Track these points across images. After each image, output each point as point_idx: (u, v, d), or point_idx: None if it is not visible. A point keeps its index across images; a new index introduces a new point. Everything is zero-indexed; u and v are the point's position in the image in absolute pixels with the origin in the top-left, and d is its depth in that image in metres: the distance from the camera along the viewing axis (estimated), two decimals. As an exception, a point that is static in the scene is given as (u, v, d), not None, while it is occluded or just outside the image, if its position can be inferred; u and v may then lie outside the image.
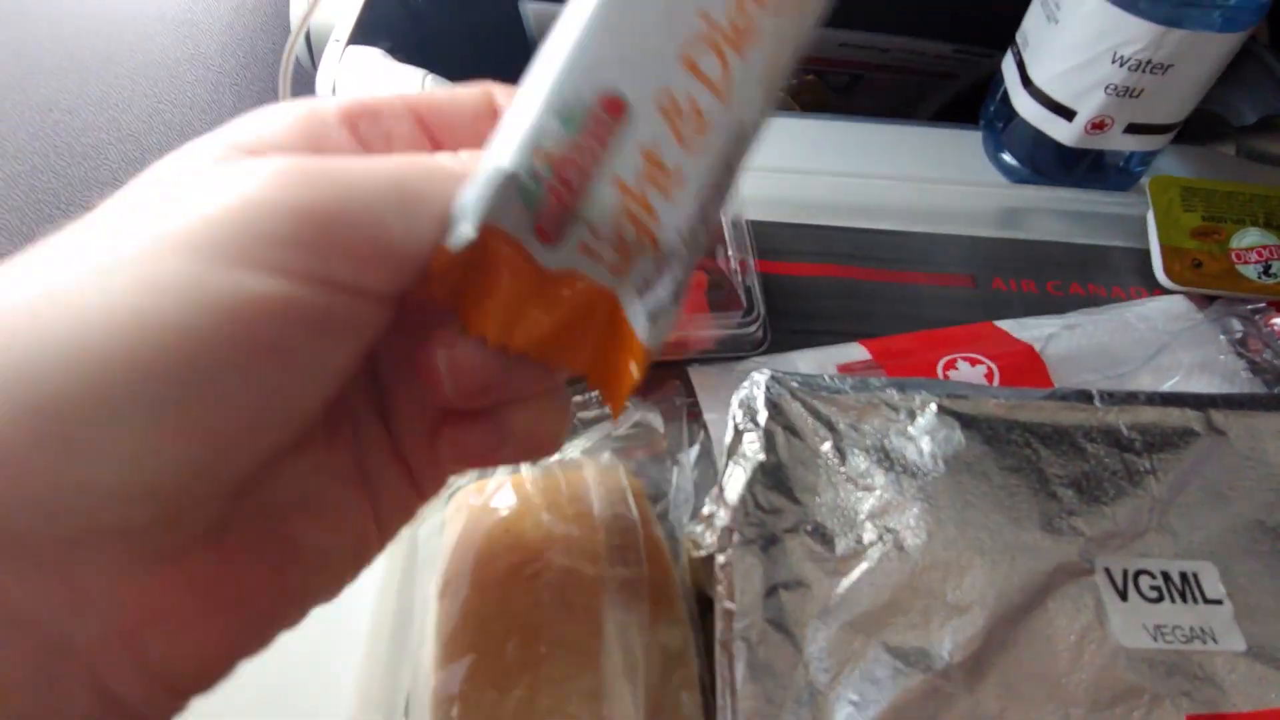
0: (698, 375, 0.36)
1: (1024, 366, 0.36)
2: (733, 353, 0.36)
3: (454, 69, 0.61)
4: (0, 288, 0.14)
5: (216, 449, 0.14)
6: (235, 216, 0.14)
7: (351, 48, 0.50)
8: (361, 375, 0.19)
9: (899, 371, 0.36)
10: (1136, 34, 0.37)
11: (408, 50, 0.59)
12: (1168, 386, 0.35)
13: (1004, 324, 0.38)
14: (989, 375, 0.35)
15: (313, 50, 0.54)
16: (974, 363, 0.36)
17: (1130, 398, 0.30)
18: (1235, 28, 0.37)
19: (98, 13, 0.51)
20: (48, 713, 0.14)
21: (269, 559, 0.17)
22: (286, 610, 0.18)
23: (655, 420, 0.35)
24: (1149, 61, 0.38)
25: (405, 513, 0.20)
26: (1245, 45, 0.59)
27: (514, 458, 0.20)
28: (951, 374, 0.35)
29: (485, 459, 0.20)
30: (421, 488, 0.20)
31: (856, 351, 0.37)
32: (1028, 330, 0.38)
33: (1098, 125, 0.41)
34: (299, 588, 0.18)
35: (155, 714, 0.16)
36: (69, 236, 0.15)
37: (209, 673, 0.16)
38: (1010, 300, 0.41)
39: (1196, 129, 0.61)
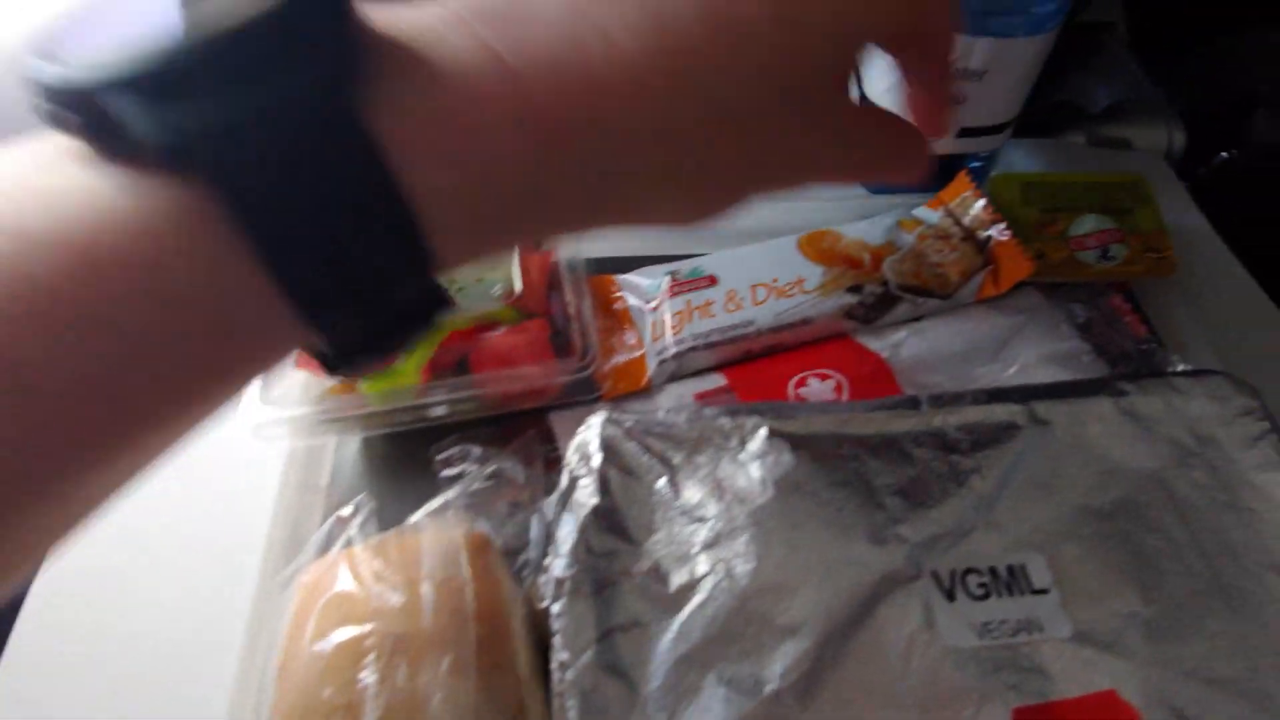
0: (558, 421, 0.36)
1: (873, 377, 0.36)
2: (589, 395, 0.37)
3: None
4: None
5: None
6: None
7: None
8: None
9: (752, 394, 0.36)
10: (946, 45, 0.38)
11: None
12: (1006, 378, 0.36)
13: (860, 336, 0.39)
14: (839, 389, 0.36)
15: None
16: (824, 378, 0.36)
17: (956, 398, 0.31)
18: (1040, 31, 0.39)
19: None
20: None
21: None
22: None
23: (516, 470, 0.36)
24: (965, 69, 0.39)
25: None
26: (1098, 37, 0.62)
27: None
28: (802, 391, 0.36)
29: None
30: None
31: (714, 380, 0.37)
32: (880, 339, 0.39)
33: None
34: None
35: None
36: None
37: None
38: (868, 309, 0.42)
39: (1054, 118, 0.63)
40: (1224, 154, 0.71)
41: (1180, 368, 0.37)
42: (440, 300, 0.17)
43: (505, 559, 0.32)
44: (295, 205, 0.14)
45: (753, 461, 0.29)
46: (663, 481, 0.29)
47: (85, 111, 0.14)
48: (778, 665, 0.26)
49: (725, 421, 0.30)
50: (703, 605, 0.27)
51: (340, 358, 0.17)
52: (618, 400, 0.37)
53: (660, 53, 0.17)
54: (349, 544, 0.29)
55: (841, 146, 0.21)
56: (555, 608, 0.27)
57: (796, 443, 0.30)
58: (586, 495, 0.29)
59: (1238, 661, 0.26)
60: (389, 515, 0.33)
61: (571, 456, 0.30)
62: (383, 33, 0.16)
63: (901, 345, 0.38)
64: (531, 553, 0.33)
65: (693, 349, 0.37)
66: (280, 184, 0.14)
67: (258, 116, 0.14)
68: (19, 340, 0.13)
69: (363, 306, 0.16)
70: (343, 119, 0.14)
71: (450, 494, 0.34)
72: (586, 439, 0.30)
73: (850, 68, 0.20)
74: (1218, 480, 0.30)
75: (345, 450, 0.37)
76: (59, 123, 0.14)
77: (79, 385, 0.14)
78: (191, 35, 0.14)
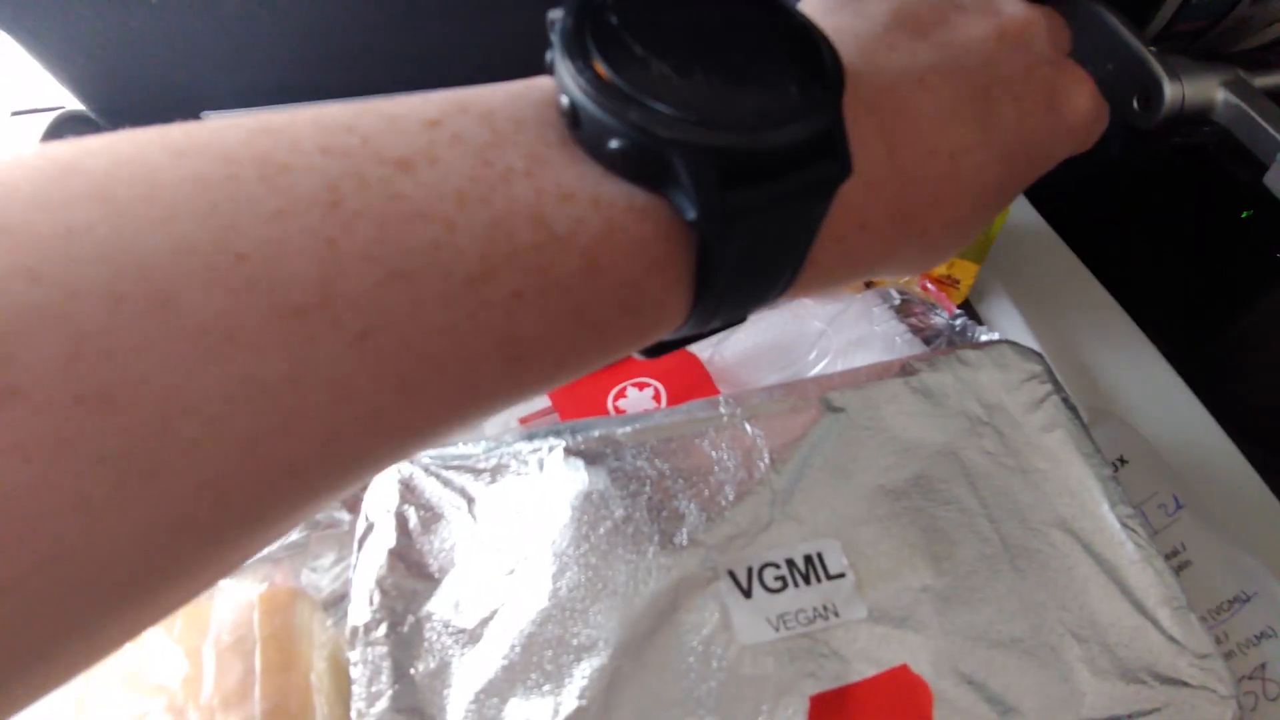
0: (381, 461, 0.36)
1: (690, 379, 0.37)
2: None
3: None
4: None
5: None
6: None
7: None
8: None
9: (574, 411, 0.36)
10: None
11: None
12: (818, 370, 0.37)
13: (685, 339, 0.40)
14: (656, 396, 0.36)
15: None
16: (642, 387, 0.37)
17: (754, 395, 0.32)
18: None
19: None
20: None
21: None
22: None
23: (341, 515, 0.35)
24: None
25: None
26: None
27: None
28: (621, 402, 0.36)
29: None
30: None
31: (539, 402, 0.37)
32: (703, 339, 0.39)
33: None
34: None
35: None
36: None
37: None
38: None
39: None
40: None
41: (983, 339, 0.38)
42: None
43: (326, 610, 0.32)
44: (745, 264, 0.17)
45: (549, 484, 0.29)
46: (462, 514, 0.29)
47: (663, 164, 0.15)
48: (575, 686, 0.25)
49: (523, 446, 0.30)
50: (500, 637, 0.26)
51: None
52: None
53: (976, 185, 0.20)
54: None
55: None
56: (352, 655, 0.26)
57: (592, 459, 0.30)
58: (384, 537, 0.28)
59: (1023, 619, 0.27)
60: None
61: (368, 500, 0.29)
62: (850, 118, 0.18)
63: (723, 344, 0.39)
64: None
65: (514, 373, 0.37)
66: (746, 247, 0.16)
67: (774, 203, 0.16)
68: (519, 318, 0.14)
69: (726, 324, 0.20)
70: (819, 212, 0.17)
71: (270, 546, 0.33)
72: (382, 481, 0.30)
73: None
74: (1006, 446, 0.31)
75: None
76: (635, 162, 0.15)
77: (552, 360, 0.16)
78: (766, 128, 0.15)
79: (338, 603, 0.33)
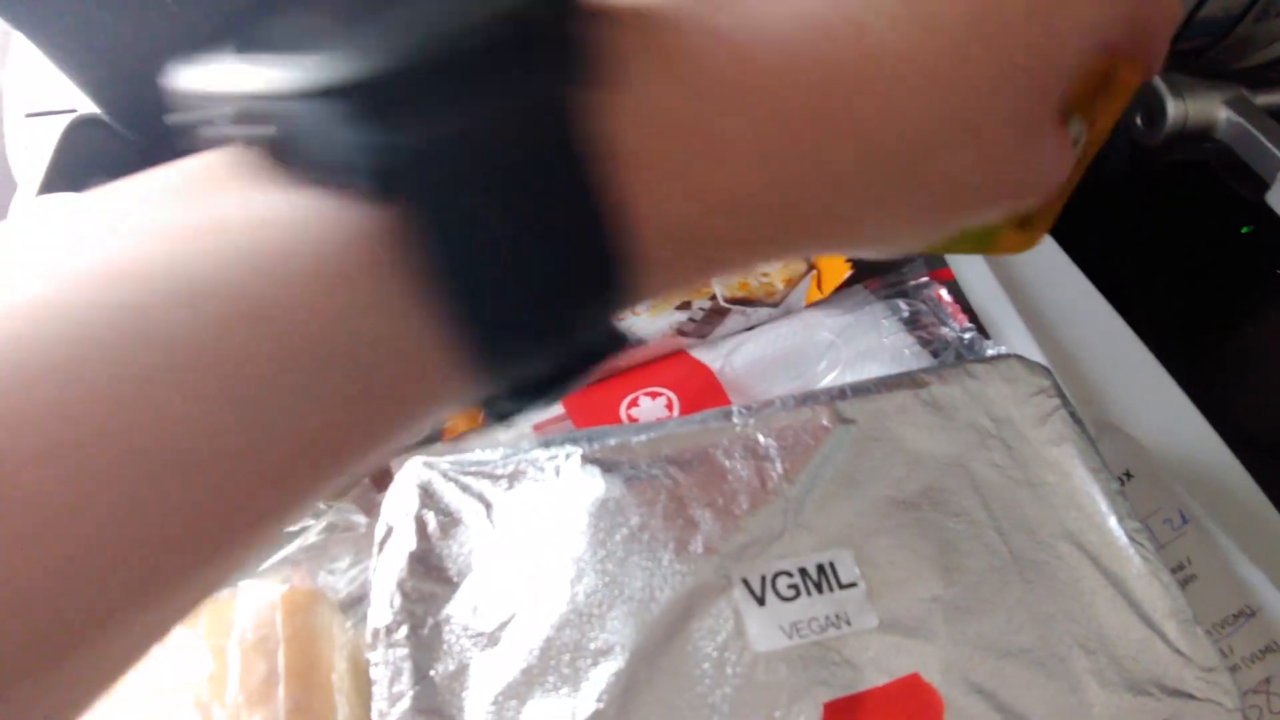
0: (397, 466, 0.36)
1: (702, 389, 0.37)
2: (427, 438, 0.37)
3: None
4: None
5: None
6: None
7: (43, 198, 0.49)
8: None
9: (588, 419, 0.37)
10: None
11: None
12: (827, 381, 0.38)
13: (695, 350, 0.40)
14: (669, 405, 0.37)
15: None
16: (655, 396, 0.37)
17: (766, 406, 0.32)
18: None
19: None
20: None
21: None
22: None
23: (358, 518, 0.35)
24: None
25: None
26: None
27: None
28: (634, 411, 0.37)
29: None
30: None
31: (552, 409, 0.38)
32: (713, 350, 0.40)
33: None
34: None
35: None
36: None
37: None
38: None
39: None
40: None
41: (991, 353, 0.39)
42: (622, 339, 0.15)
43: (343, 612, 0.32)
44: (499, 240, 0.12)
45: (566, 491, 0.30)
46: (481, 520, 0.29)
47: (277, 123, 0.12)
48: (592, 690, 0.26)
49: (540, 453, 0.31)
50: (518, 640, 0.27)
51: (508, 404, 0.15)
52: (457, 439, 0.37)
53: (922, 49, 0.15)
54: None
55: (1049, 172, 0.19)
56: (373, 657, 0.27)
57: (608, 467, 0.30)
58: (403, 540, 0.29)
59: (1032, 630, 0.28)
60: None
61: (388, 504, 0.30)
62: (606, 22, 0.13)
63: (734, 354, 0.39)
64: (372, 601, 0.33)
65: (529, 380, 0.38)
66: (486, 215, 0.12)
67: (469, 135, 0.12)
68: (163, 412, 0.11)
69: (548, 353, 0.14)
70: (562, 140, 0.12)
71: (289, 548, 0.34)
72: (401, 485, 0.30)
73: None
74: (1014, 458, 0.32)
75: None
76: (245, 134, 0.12)
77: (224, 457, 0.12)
78: (409, 40, 0.12)
79: (355, 605, 0.33)
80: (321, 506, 0.35)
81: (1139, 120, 0.61)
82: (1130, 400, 0.40)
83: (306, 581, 0.32)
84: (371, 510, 0.35)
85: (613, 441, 0.31)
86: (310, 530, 0.35)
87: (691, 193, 0.14)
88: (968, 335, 0.41)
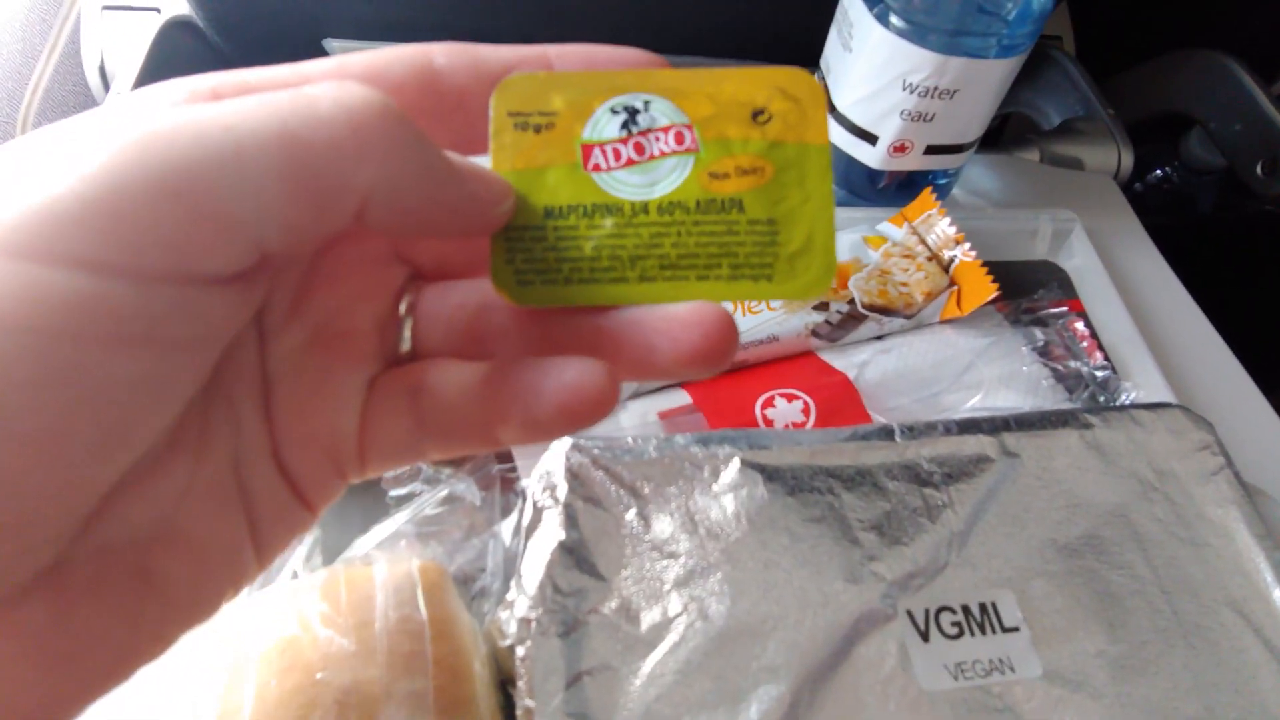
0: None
1: (840, 397, 0.36)
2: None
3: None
4: None
5: (59, 469, 0.13)
6: (49, 202, 0.12)
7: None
8: (245, 371, 0.17)
9: (718, 414, 0.35)
10: (920, 62, 0.38)
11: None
12: (970, 405, 0.36)
13: (825, 354, 0.39)
14: (805, 410, 0.35)
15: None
16: (791, 399, 0.36)
17: (929, 429, 0.31)
18: (1011, 54, 0.38)
19: None
20: None
21: (119, 600, 0.15)
22: (142, 650, 0.15)
23: (470, 492, 0.34)
24: (936, 88, 0.39)
25: (289, 530, 0.18)
26: (1047, 52, 0.63)
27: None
28: (769, 412, 0.35)
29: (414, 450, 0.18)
30: (309, 499, 0.18)
31: (678, 397, 0.36)
32: (845, 358, 0.38)
33: (900, 149, 0.42)
34: (157, 626, 0.15)
35: None
36: None
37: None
38: (832, 325, 0.41)
39: (1010, 132, 0.64)
40: (1159, 171, 0.73)
41: (1133, 397, 0.37)
42: None
43: (460, 587, 0.31)
44: None
45: (726, 494, 0.28)
46: (632, 514, 0.28)
47: None
48: (753, 710, 0.25)
49: (697, 451, 0.29)
50: (675, 647, 0.25)
51: None
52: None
53: None
54: (294, 576, 0.27)
55: None
56: (520, 650, 0.25)
57: (770, 474, 0.29)
58: (553, 529, 0.27)
59: (1197, 699, 0.27)
60: (334, 541, 0.31)
61: (534, 485, 0.28)
62: None
63: (867, 365, 0.38)
64: (489, 580, 0.31)
65: (657, 365, 0.36)
66: None
67: None
68: None
69: None
70: None
71: (401, 519, 0.32)
72: (551, 467, 0.28)
73: None
74: (1177, 515, 0.30)
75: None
76: None
77: None
78: None
79: (467, 581, 0.31)
80: (439, 476, 0.33)
81: (1259, 168, 0.59)
82: (1260, 460, 0.39)
83: (423, 555, 0.30)
84: (487, 484, 0.34)
85: (771, 448, 0.29)
86: (422, 501, 0.33)
87: None
88: (1101, 374, 0.39)
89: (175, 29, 0.52)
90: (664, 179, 0.17)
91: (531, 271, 0.17)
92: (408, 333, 0.18)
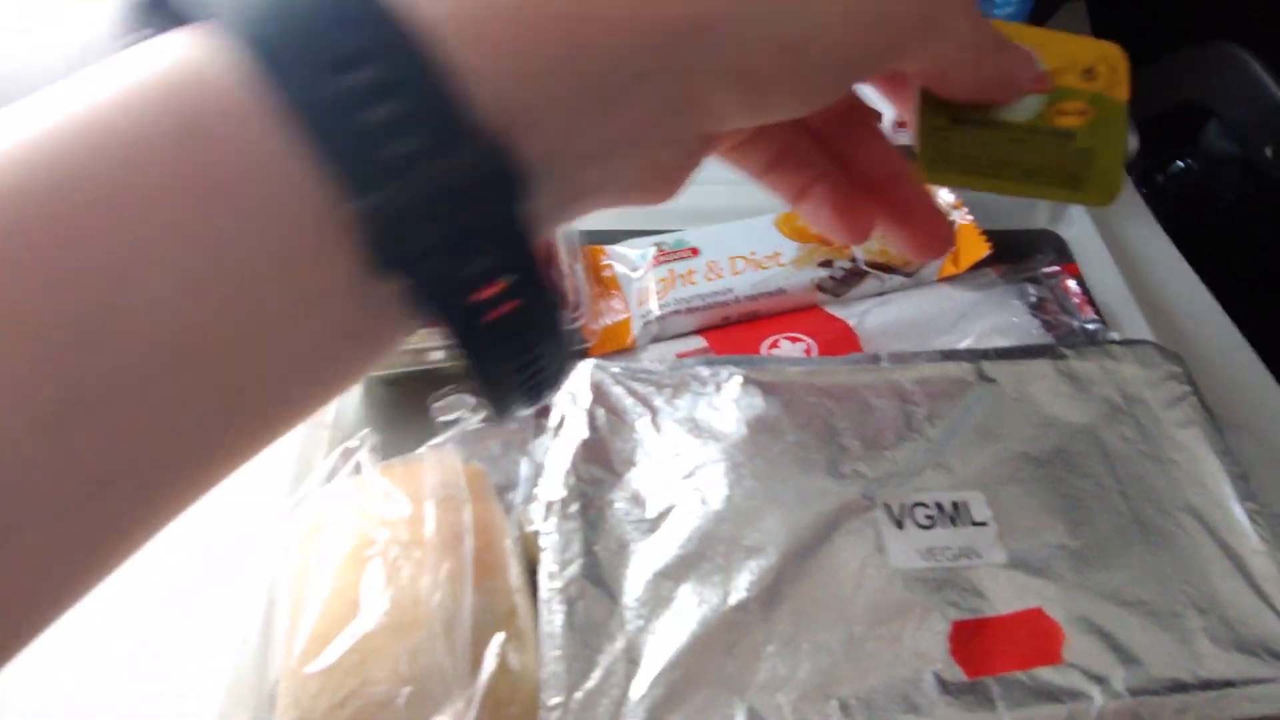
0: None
1: (840, 341, 0.40)
2: (578, 346, 0.39)
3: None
4: None
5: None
6: None
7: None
8: None
9: (729, 353, 0.39)
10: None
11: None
12: (961, 347, 0.40)
13: (830, 307, 0.42)
14: (807, 350, 0.39)
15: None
16: (795, 340, 0.39)
17: (913, 357, 0.35)
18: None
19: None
20: None
21: None
22: None
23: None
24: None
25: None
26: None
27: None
28: (774, 351, 0.39)
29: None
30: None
31: (695, 342, 0.40)
32: (847, 309, 0.42)
33: (901, 124, 0.46)
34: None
35: None
36: None
37: None
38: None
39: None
40: (1180, 162, 0.75)
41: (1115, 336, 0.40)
42: (551, 298, 0.15)
43: (496, 492, 0.35)
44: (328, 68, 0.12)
45: (727, 405, 0.32)
46: (645, 421, 0.32)
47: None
48: (743, 579, 0.28)
49: (703, 370, 0.33)
50: (678, 527, 0.29)
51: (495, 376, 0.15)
52: (605, 357, 0.40)
53: None
54: (357, 469, 0.32)
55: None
56: (545, 526, 0.30)
57: (768, 389, 0.33)
58: (575, 430, 0.32)
59: (1151, 587, 0.30)
60: (391, 451, 0.36)
61: (563, 398, 0.33)
62: None
63: (868, 314, 0.41)
64: (520, 489, 0.36)
65: (675, 313, 0.40)
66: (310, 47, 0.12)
67: None
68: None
69: (444, 229, 0.13)
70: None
71: (448, 434, 0.37)
72: (577, 383, 0.33)
73: None
74: (1143, 434, 0.33)
75: (348, 393, 0.39)
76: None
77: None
78: None
79: (502, 491, 0.36)
80: (476, 404, 0.38)
81: (1269, 151, 0.61)
82: (1245, 409, 0.41)
83: (465, 461, 0.35)
84: (523, 410, 0.38)
85: (770, 368, 0.33)
86: (466, 423, 0.38)
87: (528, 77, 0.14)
88: (1092, 326, 0.42)
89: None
90: (1029, 109, 0.24)
91: (935, 156, 0.24)
92: None
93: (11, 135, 0.12)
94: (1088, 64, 0.25)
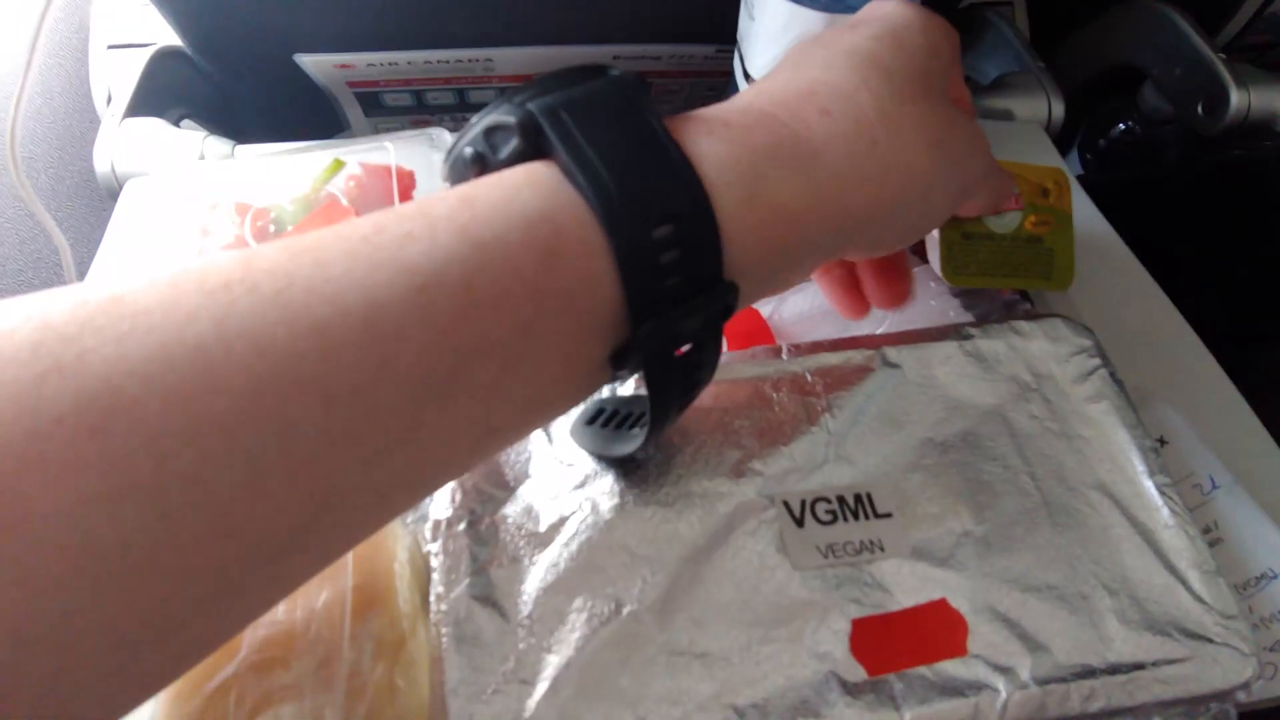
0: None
1: (751, 332, 0.39)
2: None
3: (251, 126, 0.63)
4: None
5: None
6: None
7: (130, 120, 0.52)
8: None
9: (639, 355, 0.38)
10: (813, 24, 0.41)
11: (203, 114, 0.60)
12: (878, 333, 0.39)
13: (745, 298, 0.41)
14: (718, 346, 0.38)
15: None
16: (705, 337, 0.38)
17: (815, 346, 0.34)
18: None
19: None
20: None
21: None
22: None
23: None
24: (835, 44, 0.42)
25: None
26: (986, 16, 0.65)
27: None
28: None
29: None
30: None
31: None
32: (763, 301, 0.41)
33: (812, 106, 0.45)
34: None
35: None
36: None
37: None
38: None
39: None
40: (1121, 124, 0.74)
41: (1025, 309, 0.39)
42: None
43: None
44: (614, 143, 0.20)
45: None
46: (539, 433, 0.31)
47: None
48: (635, 588, 0.28)
49: (597, 374, 0.32)
50: (570, 540, 0.29)
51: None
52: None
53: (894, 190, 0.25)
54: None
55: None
56: (433, 547, 0.29)
57: (662, 390, 0.32)
58: (465, 446, 0.31)
59: (1059, 570, 0.29)
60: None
61: (453, 412, 0.32)
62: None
63: (784, 303, 0.40)
64: (413, 509, 0.35)
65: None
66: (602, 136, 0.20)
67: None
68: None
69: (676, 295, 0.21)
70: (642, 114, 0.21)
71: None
72: (466, 395, 0.32)
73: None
74: (1052, 412, 0.33)
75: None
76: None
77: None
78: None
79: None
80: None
81: (1200, 108, 0.61)
82: (1169, 375, 0.41)
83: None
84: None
85: (666, 369, 0.32)
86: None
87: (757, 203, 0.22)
88: (1011, 301, 0.42)
89: (165, 56, 0.57)
90: (1011, 223, 0.35)
91: (957, 264, 0.35)
92: None
93: (434, 238, 0.19)
94: (1045, 185, 0.36)
